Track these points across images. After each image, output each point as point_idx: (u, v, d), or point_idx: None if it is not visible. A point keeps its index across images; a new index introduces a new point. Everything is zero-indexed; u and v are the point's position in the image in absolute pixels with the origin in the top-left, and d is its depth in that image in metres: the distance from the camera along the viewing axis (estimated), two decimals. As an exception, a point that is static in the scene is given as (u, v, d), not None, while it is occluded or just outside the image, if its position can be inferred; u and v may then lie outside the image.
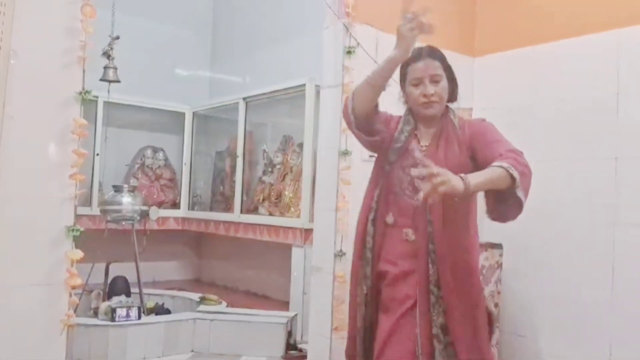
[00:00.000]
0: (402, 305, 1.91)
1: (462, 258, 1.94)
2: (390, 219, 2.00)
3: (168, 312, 3.90)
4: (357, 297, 2.03)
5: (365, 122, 1.99)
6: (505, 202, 1.82)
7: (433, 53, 2.01)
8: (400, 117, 2.10)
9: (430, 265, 1.88)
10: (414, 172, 1.65)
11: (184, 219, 4.93)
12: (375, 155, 2.15)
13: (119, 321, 3.31)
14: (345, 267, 3.02)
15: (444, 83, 2.01)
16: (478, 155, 1.95)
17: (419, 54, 1.98)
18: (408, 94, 2.04)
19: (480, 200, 2.01)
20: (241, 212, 4.42)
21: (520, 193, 1.77)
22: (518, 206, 1.82)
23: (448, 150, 1.96)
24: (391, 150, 2.01)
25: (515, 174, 1.73)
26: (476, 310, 1.94)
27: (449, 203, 1.81)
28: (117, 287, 3.81)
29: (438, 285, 1.87)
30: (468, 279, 1.94)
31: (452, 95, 2.09)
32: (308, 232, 3.70)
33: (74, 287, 2.26)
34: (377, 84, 1.91)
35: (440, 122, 2.03)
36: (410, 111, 2.08)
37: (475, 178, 1.68)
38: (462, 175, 1.65)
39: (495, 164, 1.76)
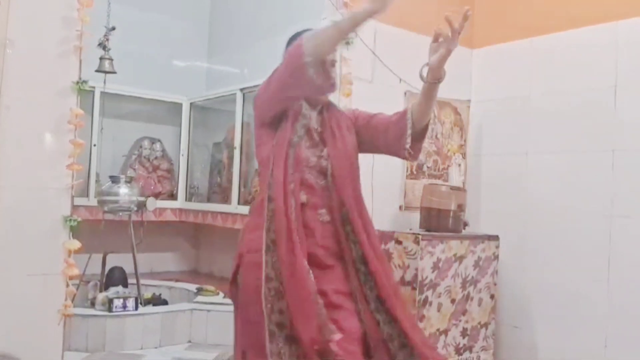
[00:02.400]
0: (339, 293, 1.86)
1: (372, 227, 2.00)
2: (304, 197, 1.90)
3: (165, 303, 3.90)
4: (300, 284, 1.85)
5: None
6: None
7: None
8: None
9: (352, 245, 1.91)
10: None
11: (181, 210, 4.91)
12: None
13: (116, 312, 3.31)
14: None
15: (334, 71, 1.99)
16: (365, 128, 2.04)
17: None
18: None
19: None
20: (238, 203, 4.41)
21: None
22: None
23: (341, 136, 1.98)
24: (298, 125, 1.93)
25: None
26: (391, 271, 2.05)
27: (356, 182, 1.97)
28: (114, 277, 3.81)
29: (364, 262, 1.89)
30: (380, 246, 2.01)
31: None
32: (305, 223, 3.69)
33: (71, 278, 2.27)
34: (345, 29, 1.76)
35: (323, 109, 2.01)
36: None
37: None
38: None
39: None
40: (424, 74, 1.89)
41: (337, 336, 1.74)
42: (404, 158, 2.07)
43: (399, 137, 1.98)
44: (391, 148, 2.04)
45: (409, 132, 1.96)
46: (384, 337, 1.86)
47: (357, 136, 2.05)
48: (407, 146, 1.97)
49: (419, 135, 2.00)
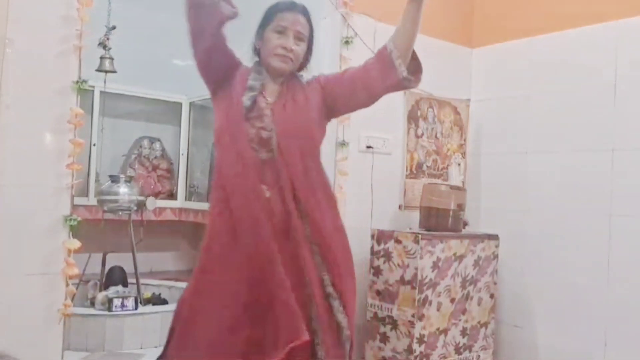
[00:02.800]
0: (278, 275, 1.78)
1: (329, 206, 1.91)
2: None
3: (165, 302, 3.90)
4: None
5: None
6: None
7: (306, 12, 1.94)
8: (248, 68, 1.97)
9: (304, 224, 1.82)
10: None
11: (180, 210, 4.92)
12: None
13: (115, 311, 3.31)
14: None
15: (304, 47, 1.95)
16: (340, 86, 1.95)
17: (293, 5, 1.93)
18: (266, 40, 1.92)
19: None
20: (238, 202, 4.42)
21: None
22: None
23: (295, 107, 1.89)
24: (245, 97, 1.87)
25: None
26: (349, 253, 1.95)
27: (308, 157, 1.85)
28: (113, 277, 3.81)
29: (317, 243, 1.83)
30: (339, 227, 1.93)
31: (303, 64, 2.02)
32: (305, 223, 3.69)
33: (71, 277, 2.26)
34: None
35: (285, 81, 1.96)
36: (258, 65, 1.98)
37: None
38: None
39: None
40: None
41: None
42: (401, 88, 1.94)
43: (384, 72, 1.86)
44: (377, 87, 1.91)
45: (398, 61, 1.83)
46: (337, 325, 1.80)
47: (332, 99, 1.95)
48: (404, 74, 1.84)
49: (414, 69, 1.88)
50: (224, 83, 1.92)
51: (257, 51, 1.99)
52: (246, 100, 1.85)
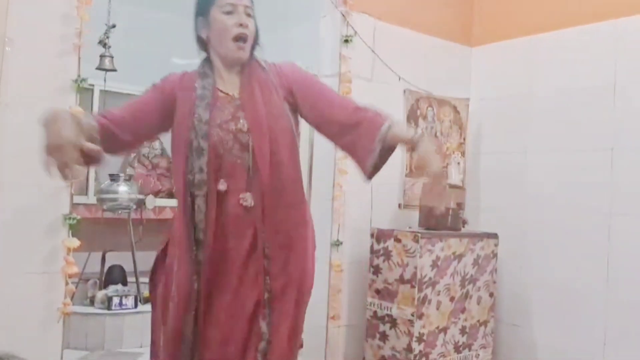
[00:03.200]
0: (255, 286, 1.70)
1: (299, 227, 1.76)
2: (222, 185, 1.70)
3: (164, 301, 3.90)
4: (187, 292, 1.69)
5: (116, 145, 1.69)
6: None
7: None
8: (188, 73, 1.80)
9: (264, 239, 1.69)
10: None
11: (180, 209, 4.92)
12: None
13: (115, 310, 3.32)
14: (342, 256, 3.03)
15: (254, 23, 1.76)
16: (306, 105, 1.77)
17: None
18: (214, 24, 1.71)
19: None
20: (238, 201, 4.41)
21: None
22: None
23: (265, 97, 1.72)
24: (200, 108, 1.70)
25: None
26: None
27: (280, 165, 1.71)
28: (113, 276, 3.81)
29: (268, 257, 1.70)
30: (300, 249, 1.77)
31: (253, 45, 1.83)
32: (304, 221, 3.69)
33: (70, 276, 2.27)
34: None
35: (244, 68, 1.78)
36: (205, 63, 1.80)
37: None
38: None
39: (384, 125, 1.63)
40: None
41: None
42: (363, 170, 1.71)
43: (366, 149, 1.65)
44: (355, 152, 1.71)
45: (377, 153, 1.62)
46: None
47: (304, 106, 1.78)
48: (368, 172, 1.66)
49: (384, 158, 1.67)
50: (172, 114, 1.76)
51: (203, 43, 1.79)
52: (203, 113, 1.70)
